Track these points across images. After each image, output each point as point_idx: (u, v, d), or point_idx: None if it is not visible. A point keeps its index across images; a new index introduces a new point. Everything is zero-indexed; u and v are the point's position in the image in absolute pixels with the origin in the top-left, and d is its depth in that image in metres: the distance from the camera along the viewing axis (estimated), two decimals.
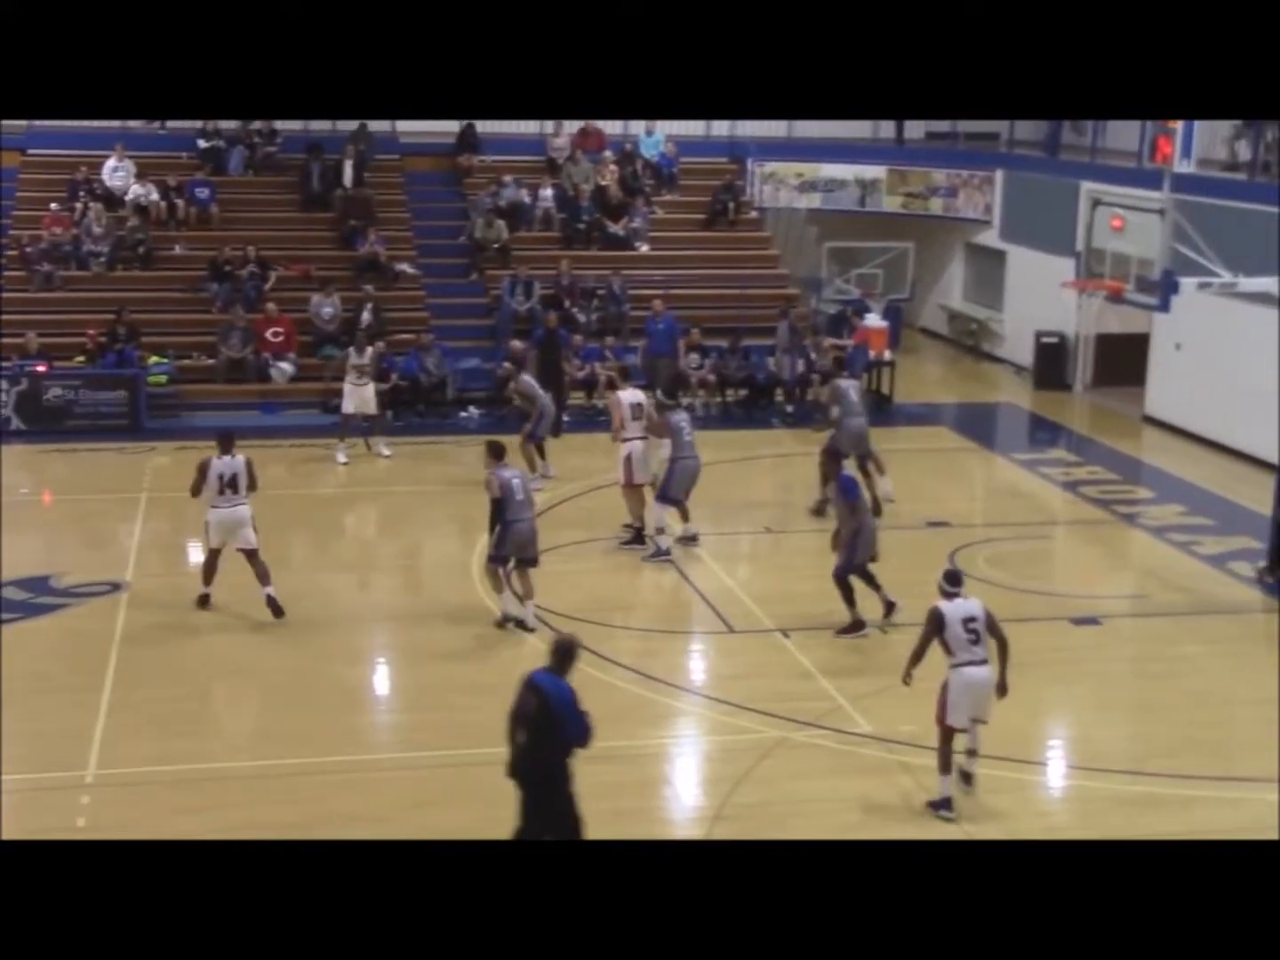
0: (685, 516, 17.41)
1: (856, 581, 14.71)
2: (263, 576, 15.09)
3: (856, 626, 14.70)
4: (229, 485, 15.01)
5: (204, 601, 15.33)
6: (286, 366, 24.02)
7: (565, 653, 9.46)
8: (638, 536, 17.34)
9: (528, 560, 14.79)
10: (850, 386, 18.65)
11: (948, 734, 11.21)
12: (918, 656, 11.38)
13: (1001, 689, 11.23)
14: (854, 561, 14.59)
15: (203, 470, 15.04)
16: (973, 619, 11.15)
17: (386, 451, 21.36)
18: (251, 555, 15.16)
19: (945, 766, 11.23)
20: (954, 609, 11.18)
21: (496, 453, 14.91)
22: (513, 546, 14.66)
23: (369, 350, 21.53)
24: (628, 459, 17.24)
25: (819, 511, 18.33)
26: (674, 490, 17.10)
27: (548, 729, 9.23)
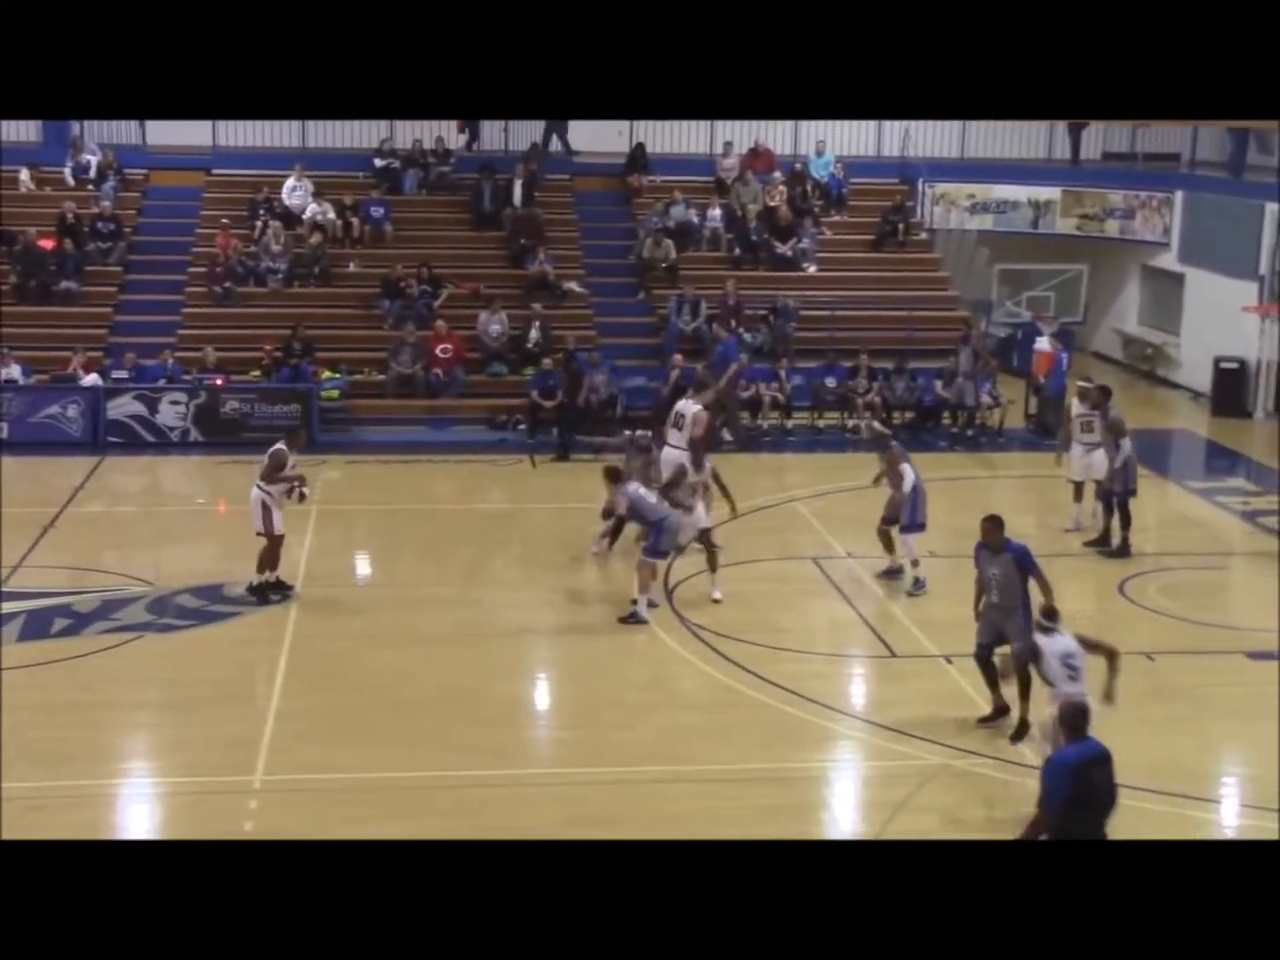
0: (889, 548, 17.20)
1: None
2: (259, 563, 15.92)
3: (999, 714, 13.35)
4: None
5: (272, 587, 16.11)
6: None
7: (1086, 717, 9.24)
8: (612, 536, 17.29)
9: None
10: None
11: None
12: (1023, 688, 12.31)
13: (1108, 697, 11.12)
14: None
15: None
16: (1071, 655, 11.24)
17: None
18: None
19: None
20: (1050, 644, 11.29)
21: (614, 476, 16.06)
22: (668, 541, 15.62)
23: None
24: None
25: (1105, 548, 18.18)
26: (921, 515, 16.87)
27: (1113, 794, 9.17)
